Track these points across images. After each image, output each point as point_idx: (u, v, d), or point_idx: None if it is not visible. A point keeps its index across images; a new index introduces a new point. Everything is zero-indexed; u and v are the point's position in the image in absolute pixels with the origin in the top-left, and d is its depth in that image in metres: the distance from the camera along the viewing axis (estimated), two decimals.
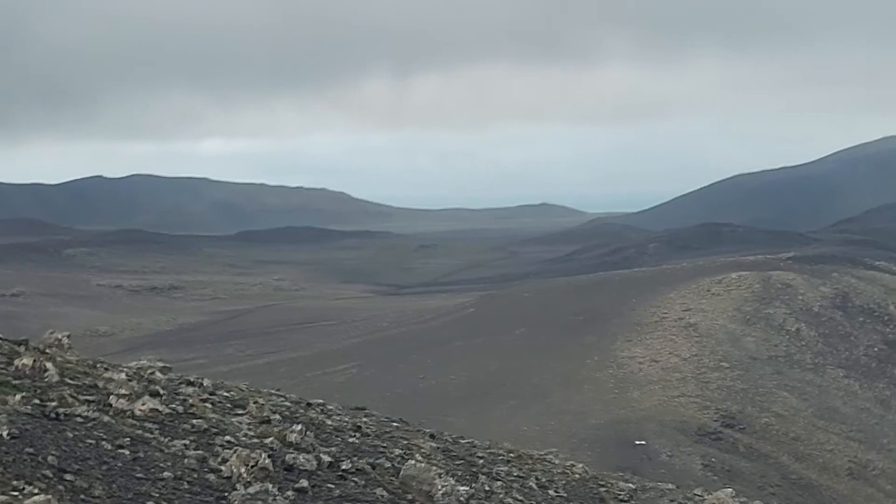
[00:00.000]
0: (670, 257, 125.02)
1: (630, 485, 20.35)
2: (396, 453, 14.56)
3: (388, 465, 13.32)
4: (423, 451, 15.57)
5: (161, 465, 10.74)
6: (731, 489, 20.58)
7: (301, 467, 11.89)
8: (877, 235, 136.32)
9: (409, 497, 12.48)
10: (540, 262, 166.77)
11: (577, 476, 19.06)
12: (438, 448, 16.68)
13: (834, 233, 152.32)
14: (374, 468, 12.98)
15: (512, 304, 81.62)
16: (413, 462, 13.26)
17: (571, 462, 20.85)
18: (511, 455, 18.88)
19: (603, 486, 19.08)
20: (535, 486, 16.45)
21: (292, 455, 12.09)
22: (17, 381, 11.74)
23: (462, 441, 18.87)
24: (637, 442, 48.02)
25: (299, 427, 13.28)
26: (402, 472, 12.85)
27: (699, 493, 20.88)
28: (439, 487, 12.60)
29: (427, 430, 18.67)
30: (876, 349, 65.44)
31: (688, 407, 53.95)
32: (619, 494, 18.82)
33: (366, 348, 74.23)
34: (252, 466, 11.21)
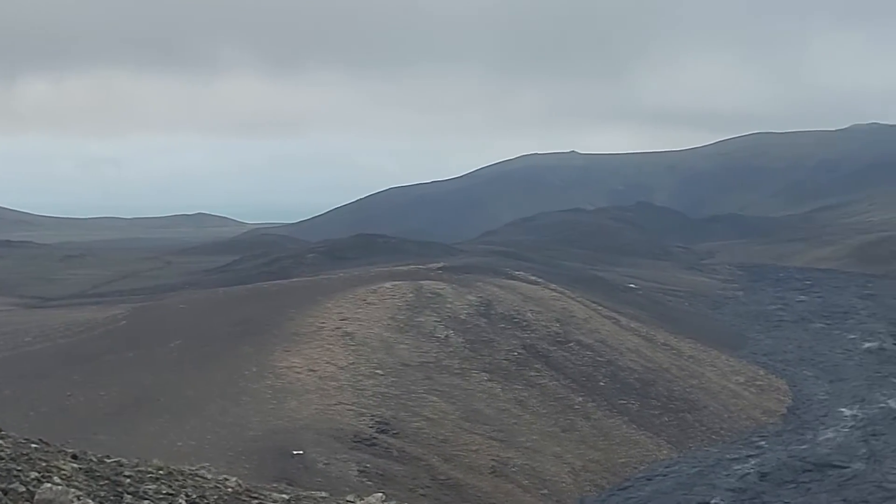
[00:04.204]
0: (328, 267, 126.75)
1: (284, 495, 20.43)
2: (33, 476, 13.66)
3: (22, 489, 12.47)
4: (63, 472, 14.72)
5: None
6: (381, 493, 21.26)
7: None
8: (516, 247, 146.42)
9: None
10: (196, 273, 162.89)
11: (230, 490, 18.84)
12: (81, 469, 15.83)
13: (478, 244, 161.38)
14: (5, 494, 12.11)
15: (167, 315, 79.10)
16: (49, 485, 12.50)
17: (225, 476, 20.57)
18: (161, 472, 18.30)
19: (256, 498, 19.01)
20: (184, 503, 16.08)
21: None
22: None
23: (108, 460, 18.04)
24: (294, 452, 48.24)
25: None
26: (36, 497, 12.09)
27: (351, 499, 21.38)
28: None
29: (70, 450, 17.65)
30: (515, 353, 70.23)
31: (344, 415, 55.02)
32: None
33: (5, 365, 68.78)
34: None
